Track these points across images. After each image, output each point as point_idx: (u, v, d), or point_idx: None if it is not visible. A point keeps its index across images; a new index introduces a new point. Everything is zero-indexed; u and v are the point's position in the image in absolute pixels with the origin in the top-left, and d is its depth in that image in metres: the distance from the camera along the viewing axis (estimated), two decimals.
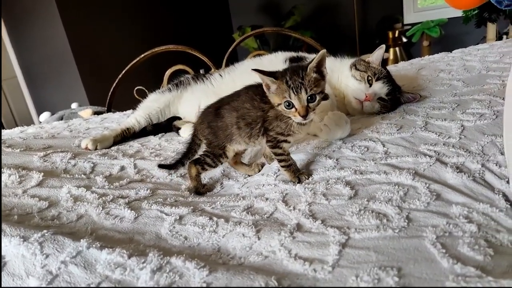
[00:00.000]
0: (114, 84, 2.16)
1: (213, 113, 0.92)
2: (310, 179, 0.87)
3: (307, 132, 0.90)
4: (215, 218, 0.74)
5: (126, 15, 3.89)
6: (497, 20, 3.57)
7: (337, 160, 0.93)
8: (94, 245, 0.65)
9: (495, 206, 0.68)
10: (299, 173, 0.88)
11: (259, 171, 0.99)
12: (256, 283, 0.55)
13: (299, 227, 0.69)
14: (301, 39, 2.23)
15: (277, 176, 0.92)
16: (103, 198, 0.86)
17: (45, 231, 0.68)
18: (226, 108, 0.89)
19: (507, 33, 3.69)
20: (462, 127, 0.99)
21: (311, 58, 1.39)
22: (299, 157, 0.97)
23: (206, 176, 1.02)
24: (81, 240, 0.66)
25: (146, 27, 4.13)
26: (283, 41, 4.86)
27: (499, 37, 3.74)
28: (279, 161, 0.88)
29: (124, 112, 1.93)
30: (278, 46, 4.78)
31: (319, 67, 0.82)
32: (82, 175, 1.00)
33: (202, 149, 0.96)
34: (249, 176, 0.98)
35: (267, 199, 0.81)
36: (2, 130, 1.53)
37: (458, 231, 0.61)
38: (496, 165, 0.80)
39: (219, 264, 0.62)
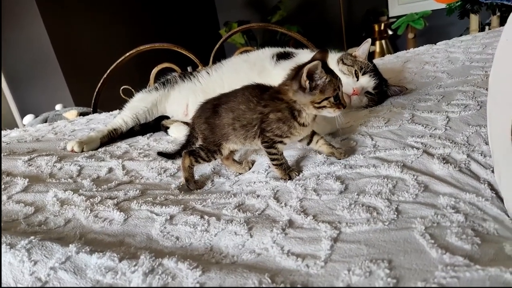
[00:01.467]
0: (99, 84, 2.13)
1: (211, 109, 0.91)
2: (300, 175, 0.88)
3: (307, 134, 0.89)
4: (206, 217, 0.74)
5: (110, 14, 3.83)
6: (480, 11, 3.62)
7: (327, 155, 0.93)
8: (83, 250, 0.64)
9: (481, 195, 0.69)
10: (289, 171, 0.88)
11: (250, 169, 0.99)
12: (250, 281, 0.55)
13: (291, 223, 0.69)
14: (288, 34, 2.23)
15: (268, 173, 0.92)
16: (91, 200, 0.84)
17: (32, 237, 0.67)
18: (223, 107, 0.89)
19: (489, 24, 3.74)
20: (447, 119, 1.00)
21: (298, 53, 1.41)
22: (289, 153, 0.97)
23: (197, 173, 1.01)
24: (70, 245, 0.65)
25: (131, 25, 4.07)
26: (270, 36, 4.86)
27: (481, 28, 3.80)
28: (272, 159, 0.88)
29: (111, 112, 1.90)
30: (265, 41, 4.79)
31: None
32: (69, 179, 0.98)
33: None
34: (240, 174, 0.98)
35: (258, 196, 0.81)
36: None
37: (446, 221, 0.62)
38: (481, 155, 0.81)
39: (212, 263, 0.62)
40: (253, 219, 0.72)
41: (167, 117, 1.48)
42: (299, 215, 0.71)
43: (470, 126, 0.94)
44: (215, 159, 0.95)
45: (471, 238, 0.58)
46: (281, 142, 0.87)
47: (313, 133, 0.91)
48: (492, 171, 0.75)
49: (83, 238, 0.71)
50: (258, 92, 0.87)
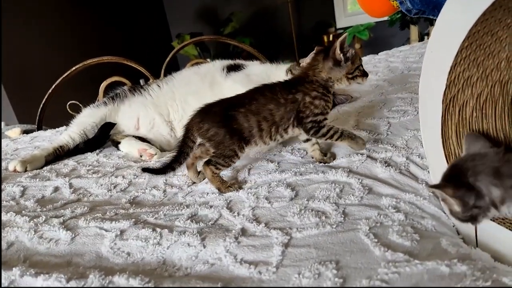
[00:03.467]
0: (44, 100, 2.03)
1: (221, 114, 0.88)
2: (252, 183, 0.89)
3: None
4: (158, 229, 0.73)
5: (57, 25, 3.67)
6: (418, 22, 3.90)
7: (278, 163, 0.96)
8: (28, 273, 0.61)
9: (419, 195, 0.74)
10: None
11: (204, 179, 0.99)
12: None
13: (243, 231, 0.70)
14: (239, 46, 2.27)
15: None
16: (35, 220, 0.80)
17: None
18: (240, 111, 0.88)
19: (428, 34, 4.03)
20: (388, 124, 1.07)
21: (248, 64, 1.44)
22: (241, 163, 0.98)
23: (149, 185, 0.99)
24: (14, 268, 0.62)
25: (80, 38, 3.92)
26: (223, 47, 4.89)
27: (421, 38, 4.07)
28: (330, 137, 0.91)
29: (57, 129, 1.82)
30: (218, 53, 4.81)
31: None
32: (11, 201, 0.93)
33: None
34: (193, 183, 0.98)
35: (211, 206, 0.82)
36: None
37: (388, 221, 0.66)
38: (419, 157, 0.88)
39: (165, 277, 0.61)
40: (206, 229, 0.72)
41: (113, 124, 1.43)
42: (251, 223, 0.72)
43: (409, 131, 1.01)
44: (234, 163, 0.91)
45: (411, 235, 0.62)
46: (325, 119, 0.91)
47: None
48: (429, 172, 0.81)
49: (27, 261, 0.67)
50: (279, 88, 0.90)
